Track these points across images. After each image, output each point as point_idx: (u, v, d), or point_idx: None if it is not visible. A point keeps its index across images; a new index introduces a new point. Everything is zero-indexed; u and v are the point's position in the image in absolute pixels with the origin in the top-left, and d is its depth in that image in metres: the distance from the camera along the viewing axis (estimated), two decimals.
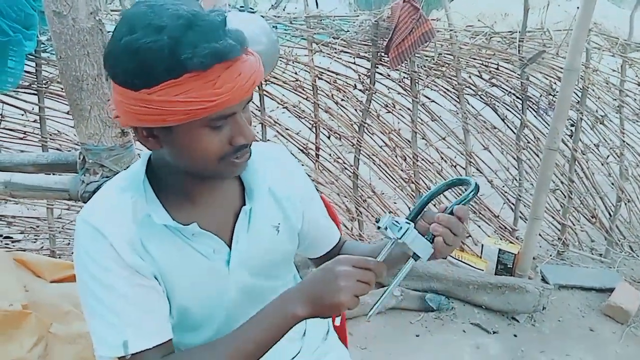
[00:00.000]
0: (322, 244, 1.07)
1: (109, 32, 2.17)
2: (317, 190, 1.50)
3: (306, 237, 1.02)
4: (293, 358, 1.01)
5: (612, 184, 2.93)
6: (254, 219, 0.89)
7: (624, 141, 2.86)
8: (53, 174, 1.77)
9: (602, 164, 2.89)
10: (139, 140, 0.78)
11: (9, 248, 2.50)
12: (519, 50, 2.52)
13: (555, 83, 2.62)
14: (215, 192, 0.87)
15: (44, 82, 2.20)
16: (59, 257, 2.42)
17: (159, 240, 0.81)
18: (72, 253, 2.51)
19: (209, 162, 0.76)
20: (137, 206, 0.81)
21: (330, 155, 2.62)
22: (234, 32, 0.71)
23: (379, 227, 0.80)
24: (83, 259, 0.79)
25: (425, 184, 2.68)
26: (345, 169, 2.65)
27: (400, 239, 0.78)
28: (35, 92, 2.22)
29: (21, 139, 2.32)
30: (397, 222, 0.79)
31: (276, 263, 0.96)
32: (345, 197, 2.67)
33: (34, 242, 2.63)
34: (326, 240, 1.07)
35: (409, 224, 0.80)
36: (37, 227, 2.53)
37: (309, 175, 2.71)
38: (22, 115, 2.29)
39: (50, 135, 2.32)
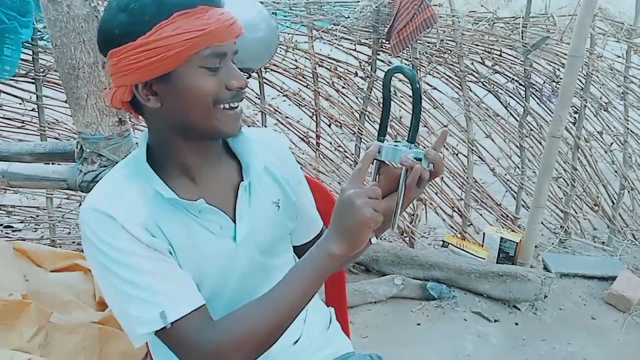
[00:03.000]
0: (305, 232, 1.06)
1: None
2: (318, 179, 1.48)
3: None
4: (294, 344, 1.00)
5: (616, 171, 2.90)
6: (254, 194, 0.91)
7: (628, 128, 2.83)
8: (52, 163, 1.76)
9: (606, 152, 2.86)
10: (141, 101, 0.80)
11: (9, 237, 2.50)
12: (522, 37, 2.48)
13: (559, 69, 2.58)
14: (214, 168, 0.89)
15: (41, 70, 2.18)
16: (59, 247, 2.41)
17: (168, 219, 0.83)
18: (73, 242, 2.49)
19: (205, 107, 0.79)
20: (142, 189, 0.83)
21: (331, 143, 2.60)
22: None
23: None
24: (97, 246, 0.78)
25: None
26: (347, 157, 2.63)
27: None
28: (33, 81, 2.20)
29: (20, 128, 2.31)
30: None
31: (279, 239, 0.97)
32: None
33: (34, 231, 2.63)
34: (310, 229, 1.06)
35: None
36: (37, 216, 2.53)
37: (310, 164, 2.69)
38: (20, 104, 2.27)
39: (49, 124, 2.31)
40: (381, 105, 2.53)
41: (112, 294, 0.80)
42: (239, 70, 0.82)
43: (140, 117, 0.86)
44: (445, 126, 2.61)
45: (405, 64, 2.49)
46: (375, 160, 0.84)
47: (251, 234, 0.90)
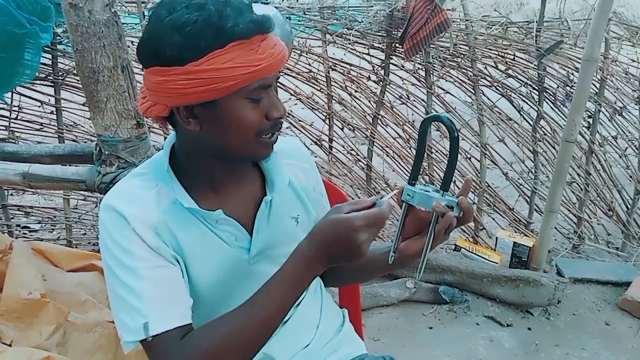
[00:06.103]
0: None
1: (124, 24, 2.19)
2: (330, 182, 1.49)
3: None
4: (305, 347, 1.01)
5: (630, 176, 2.88)
6: (274, 209, 0.91)
7: None
8: (70, 165, 1.80)
9: (620, 157, 2.84)
10: (180, 122, 0.78)
11: (27, 238, 2.55)
12: (535, 41, 2.48)
13: (572, 74, 2.57)
14: (238, 181, 0.90)
15: (60, 74, 2.22)
16: (76, 247, 2.45)
17: (183, 226, 0.83)
18: (89, 243, 2.52)
19: (247, 137, 0.79)
20: (161, 193, 0.83)
21: (343, 147, 2.62)
22: (261, 13, 0.77)
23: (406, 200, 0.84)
24: (107, 244, 0.80)
25: (439, 176, 2.66)
26: (359, 160, 2.64)
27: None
28: (52, 84, 2.24)
29: (38, 130, 2.36)
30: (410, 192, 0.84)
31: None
32: (359, 189, 2.66)
33: (51, 232, 2.67)
34: None
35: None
36: (54, 217, 2.57)
37: (322, 167, 2.70)
38: (39, 106, 2.32)
39: (67, 126, 2.35)
40: (394, 110, 2.54)
41: (111, 294, 0.81)
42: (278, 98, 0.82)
43: (170, 127, 0.85)
44: (459, 130, 2.61)
45: (418, 68, 2.51)
46: (404, 203, 0.84)
47: (265, 248, 0.91)
